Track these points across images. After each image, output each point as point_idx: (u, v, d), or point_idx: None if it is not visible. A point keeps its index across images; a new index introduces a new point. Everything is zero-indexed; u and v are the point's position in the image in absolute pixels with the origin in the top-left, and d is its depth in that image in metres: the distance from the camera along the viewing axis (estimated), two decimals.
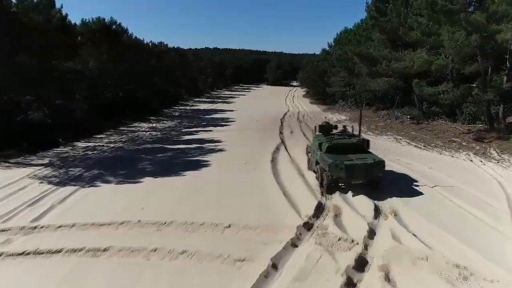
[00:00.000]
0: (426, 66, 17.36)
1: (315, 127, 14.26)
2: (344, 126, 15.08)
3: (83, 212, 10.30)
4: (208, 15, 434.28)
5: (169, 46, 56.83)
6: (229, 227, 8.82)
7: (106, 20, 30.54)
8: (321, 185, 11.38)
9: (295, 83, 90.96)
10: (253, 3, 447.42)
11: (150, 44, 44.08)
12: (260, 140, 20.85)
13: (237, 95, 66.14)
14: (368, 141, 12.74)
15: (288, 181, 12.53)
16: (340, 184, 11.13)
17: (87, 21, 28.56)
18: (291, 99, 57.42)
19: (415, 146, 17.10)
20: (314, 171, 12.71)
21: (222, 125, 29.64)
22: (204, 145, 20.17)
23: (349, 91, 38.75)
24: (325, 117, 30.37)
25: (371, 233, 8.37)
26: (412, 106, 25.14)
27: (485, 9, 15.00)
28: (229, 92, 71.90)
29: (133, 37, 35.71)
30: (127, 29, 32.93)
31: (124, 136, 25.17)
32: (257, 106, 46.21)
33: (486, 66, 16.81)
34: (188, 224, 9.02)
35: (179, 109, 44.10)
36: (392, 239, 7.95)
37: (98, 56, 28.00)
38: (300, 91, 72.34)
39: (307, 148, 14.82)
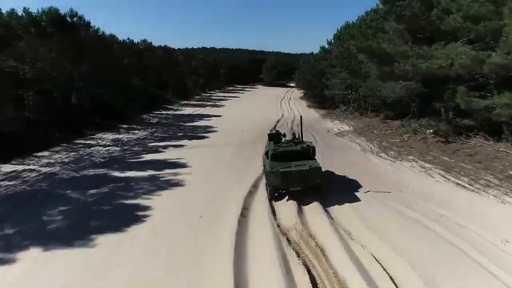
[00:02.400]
0: (475, 66, 11.76)
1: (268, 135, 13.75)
2: (294, 134, 14.24)
3: None
4: (205, 14, 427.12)
5: (154, 44, 51.00)
6: None
7: (62, 12, 24.79)
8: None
9: (292, 84, 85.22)
10: (253, 3, 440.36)
11: (127, 41, 38.26)
12: (238, 166, 15.25)
13: (230, 97, 60.44)
14: (313, 147, 12.06)
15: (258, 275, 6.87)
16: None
17: (34, 12, 22.84)
18: (287, 102, 51.79)
19: (457, 184, 11.20)
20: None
21: (200, 137, 24.06)
22: (161, 173, 14.58)
23: (351, 94, 33.16)
24: (330, 130, 24.85)
25: None
26: (434, 116, 19.53)
27: None
28: (222, 94, 66.16)
29: (101, 33, 29.99)
30: (89, 23, 27.18)
31: (73, 153, 19.66)
32: (248, 110, 40.63)
33: None
34: None
35: (161, 114, 38.51)
36: None
37: (47, 53, 22.35)
38: (297, 93, 66.69)
39: (263, 159, 13.93)
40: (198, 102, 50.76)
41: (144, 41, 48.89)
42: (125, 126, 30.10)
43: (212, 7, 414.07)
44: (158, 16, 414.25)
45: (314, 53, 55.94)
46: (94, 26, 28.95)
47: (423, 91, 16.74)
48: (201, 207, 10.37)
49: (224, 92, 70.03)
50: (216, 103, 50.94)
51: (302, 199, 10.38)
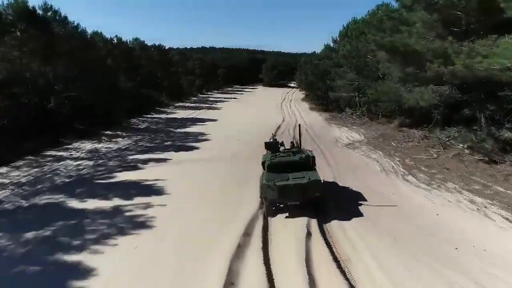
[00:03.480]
0: None
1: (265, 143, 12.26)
2: (292, 142, 12.91)
3: None
4: (204, 13, 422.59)
5: (148, 43, 47.60)
6: None
7: (32, 4, 21.43)
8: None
9: (292, 84, 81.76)
10: (252, 2, 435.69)
11: (115, 39, 34.85)
12: (228, 195, 11.78)
13: (227, 98, 57.05)
14: (313, 157, 10.91)
15: None
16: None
17: None
18: (288, 104, 48.42)
19: None
20: None
21: (189, 148, 20.74)
22: (129, 204, 11.26)
23: (359, 97, 29.81)
24: (337, 141, 21.53)
25: None
26: (462, 125, 16.19)
27: None
28: (219, 95, 62.73)
29: (82, 30, 26.62)
30: (66, 18, 23.82)
31: (35, 170, 16.44)
32: (246, 113, 37.28)
33: None
34: None
35: (152, 118, 35.18)
36: None
37: (10, 51, 19.04)
38: (298, 93, 63.30)
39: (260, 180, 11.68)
40: (194, 104, 47.41)
41: (136, 39, 45.58)
42: (109, 132, 26.84)
43: (212, 6, 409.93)
44: (157, 16, 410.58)
45: (317, 52, 52.57)
46: (74, 22, 25.63)
47: (461, 98, 13.33)
48: (162, 278, 6.95)
49: (222, 93, 66.59)
50: (213, 105, 47.60)
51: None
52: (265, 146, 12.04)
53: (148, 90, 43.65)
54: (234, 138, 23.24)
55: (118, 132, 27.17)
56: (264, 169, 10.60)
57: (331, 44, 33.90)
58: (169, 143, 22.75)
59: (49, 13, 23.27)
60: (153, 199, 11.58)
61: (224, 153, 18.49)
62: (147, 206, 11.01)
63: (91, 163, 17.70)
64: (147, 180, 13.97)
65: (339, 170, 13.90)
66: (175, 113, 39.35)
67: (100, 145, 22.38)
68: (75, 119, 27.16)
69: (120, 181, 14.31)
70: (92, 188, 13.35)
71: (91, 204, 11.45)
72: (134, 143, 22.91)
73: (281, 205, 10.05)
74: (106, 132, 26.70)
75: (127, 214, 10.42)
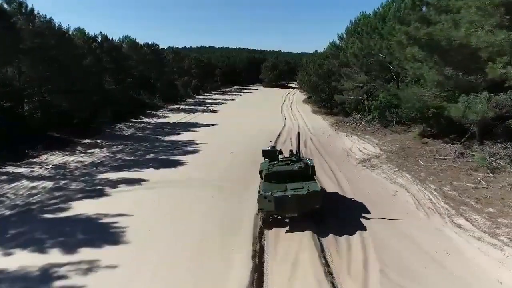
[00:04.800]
0: None
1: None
2: (291, 151, 11.70)
3: None
4: (203, 13, 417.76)
5: (138, 41, 44.06)
6: None
7: None
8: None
9: (293, 85, 78.20)
10: (252, 2, 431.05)
11: (99, 37, 31.28)
12: (208, 257, 8.13)
13: (225, 100, 53.52)
14: (313, 166, 10.37)
15: None
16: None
17: None
18: (288, 106, 44.95)
19: None
20: None
21: (173, 164, 17.32)
22: (65, 263, 7.83)
23: (369, 101, 26.37)
24: (345, 151, 18.09)
25: None
26: (507, 139, 12.79)
27: None
28: (217, 96, 59.15)
29: (57, 26, 23.12)
30: (32, 10, 20.31)
31: None
32: (243, 118, 33.80)
33: None
34: None
35: (140, 123, 31.70)
36: None
37: None
38: (299, 95, 59.82)
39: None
40: (189, 107, 43.89)
41: (127, 37, 42.09)
42: (87, 141, 23.42)
43: (212, 5, 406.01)
44: (155, 17, 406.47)
45: (319, 51, 49.07)
46: (46, 16, 22.12)
47: None
48: None
49: (220, 94, 62.99)
50: (209, 107, 44.12)
51: None
52: (263, 154, 11.21)
53: (140, 92, 40.28)
54: (228, 149, 19.82)
55: (98, 141, 23.74)
56: (262, 179, 10.10)
57: (337, 42, 30.31)
58: (151, 155, 19.32)
59: (12, 5, 19.80)
60: (103, 254, 8.12)
61: (213, 173, 15.00)
62: (91, 267, 7.56)
63: (50, 184, 14.27)
64: (107, 216, 10.54)
65: (358, 206, 10.41)
66: (167, 116, 35.89)
67: (71, 158, 18.95)
68: (49, 126, 23.81)
69: (73, 215, 10.88)
70: (32, 228, 9.92)
71: (16, 260, 8.01)
72: (111, 155, 19.48)
73: (279, 217, 9.46)
74: (84, 141, 23.28)
75: (56, 285, 6.95)
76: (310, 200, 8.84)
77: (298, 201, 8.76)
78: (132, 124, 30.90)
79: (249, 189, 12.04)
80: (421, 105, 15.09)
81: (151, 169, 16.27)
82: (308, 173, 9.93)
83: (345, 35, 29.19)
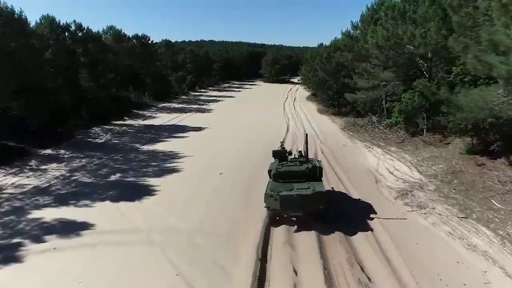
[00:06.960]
0: None
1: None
2: (300, 152, 11.97)
3: None
4: (203, 6, 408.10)
5: (125, 33, 39.05)
6: None
7: None
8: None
9: (295, 80, 73.18)
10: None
11: (72, 26, 26.29)
12: None
13: (222, 97, 48.60)
14: (320, 168, 10.54)
15: None
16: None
17: None
18: (291, 104, 40.10)
19: None
20: None
21: (138, 195, 12.57)
22: None
23: (389, 102, 21.58)
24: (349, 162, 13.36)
25: None
26: None
27: None
28: (214, 93, 54.16)
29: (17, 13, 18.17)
30: None
31: None
32: (240, 120, 29.06)
33: None
34: None
35: (121, 125, 26.99)
36: None
37: None
38: (302, 91, 54.95)
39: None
40: (181, 105, 39.09)
41: (111, 27, 37.08)
42: (47, 152, 18.88)
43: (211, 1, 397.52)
44: (154, 12, 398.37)
45: (324, 44, 43.97)
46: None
47: None
48: None
49: (217, 91, 57.96)
50: (204, 106, 39.31)
51: None
52: (272, 155, 11.44)
53: (128, 89, 35.49)
54: (217, 165, 15.24)
55: (61, 151, 19.13)
56: (270, 178, 10.34)
57: (351, 32, 25.30)
58: (117, 176, 14.65)
59: None
60: None
61: (190, 214, 10.32)
62: None
63: None
64: None
65: None
66: (154, 117, 31.14)
67: (12, 180, 14.37)
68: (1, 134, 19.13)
69: None
70: None
71: None
72: (67, 175, 14.84)
73: (285, 215, 9.68)
74: (43, 152, 18.69)
75: None
76: (315, 201, 9.00)
77: (303, 200, 8.95)
78: (111, 127, 26.17)
79: (241, 258, 7.32)
80: (486, 114, 10.36)
81: (107, 202, 11.62)
82: (315, 174, 10.12)
83: (360, 24, 24.21)
